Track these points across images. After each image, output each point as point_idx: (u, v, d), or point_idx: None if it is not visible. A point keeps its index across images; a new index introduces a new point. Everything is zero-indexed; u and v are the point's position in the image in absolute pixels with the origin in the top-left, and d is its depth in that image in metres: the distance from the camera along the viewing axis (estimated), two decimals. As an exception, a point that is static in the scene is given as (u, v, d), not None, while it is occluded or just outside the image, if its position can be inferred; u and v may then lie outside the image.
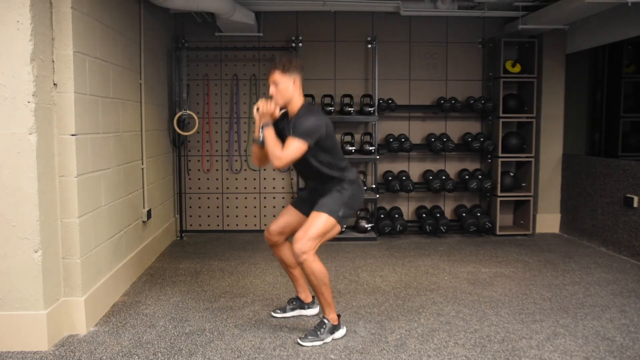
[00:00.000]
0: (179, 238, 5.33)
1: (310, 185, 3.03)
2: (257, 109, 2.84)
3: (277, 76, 2.80)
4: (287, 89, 2.81)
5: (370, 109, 5.30)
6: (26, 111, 2.59)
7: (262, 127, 2.82)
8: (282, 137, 2.83)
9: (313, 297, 3.26)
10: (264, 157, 2.99)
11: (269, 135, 2.78)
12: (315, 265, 2.74)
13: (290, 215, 3.08)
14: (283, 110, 2.96)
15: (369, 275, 4.06)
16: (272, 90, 2.82)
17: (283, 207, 5.60)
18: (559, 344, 2.80)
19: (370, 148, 5.26)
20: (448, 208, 5.74)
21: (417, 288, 3.76)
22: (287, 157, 2.72)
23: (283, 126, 2.91)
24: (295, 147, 2.71)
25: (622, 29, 4.63)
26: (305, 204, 3.02)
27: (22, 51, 2.57)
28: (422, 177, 5.65)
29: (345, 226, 5.24)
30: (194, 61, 5.47)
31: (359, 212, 5.50)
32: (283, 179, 5.61)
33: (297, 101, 2.86)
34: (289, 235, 3.09)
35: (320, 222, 2.78)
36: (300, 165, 2.91)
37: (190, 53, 5.34)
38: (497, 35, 5.52)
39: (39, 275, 2.67)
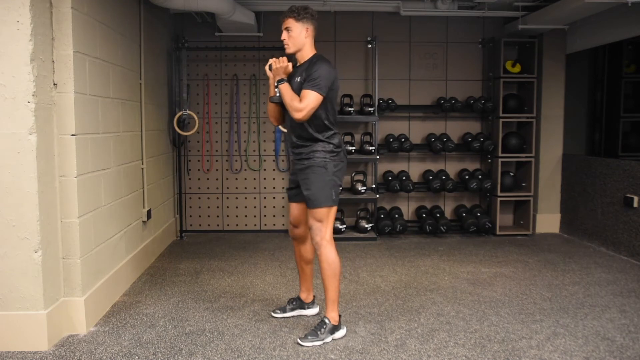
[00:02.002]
0: (179, 238, 5.33)
1: (293, 140, 2.94)
2: (270, 67, 2.85)
3: (290, 22, 2.82)
4: (299, 36, 2.83)
5: (370, 109, 5.30)
6: (26, 111, 2.59)
7: (277, 84, 2.82)
8: (290, 83, 2.85)
9: (314, 297, 3.26)
10: (281, 115, 3.01)
11: (286, 90, 2.79)
12: (332, 255, 2.82)
13: (295, 207, 3.09)
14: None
15: (369, 275, 4.06)
16: (284, 35, 2.84)
17: (283, 207, 5.61)
18: (559, 344, 2.80)
19: (370, 148, 5.26)
20: (448, 208, 5.74)
21: (417, 288, 3.76)
22: (306, 107, 2.72)
23: (293, 74, 2.91)
24: (314, 97, 2.72)
25: (622, 29, 4.64)
26: (296, 193, 3.02)
27: (22, 51, 2.56)
28: (422, 177, 5.65)
29: (345, 226, 5.24)
30: (194, 61, 5.47)
31: (358, 212, 5.50)
32: (283, 179, 5.61)
33: (308, 50, 2.88)
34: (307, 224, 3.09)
35: (321, 215, 2.82)
36: (289, 115, 2.88)
37: (190, 53, 5.34)
38: (497, 35, 5.52)
39: (39, 275, 2.67)
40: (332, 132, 2.88)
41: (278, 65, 2.82)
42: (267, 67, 2.89)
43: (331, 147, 2.86)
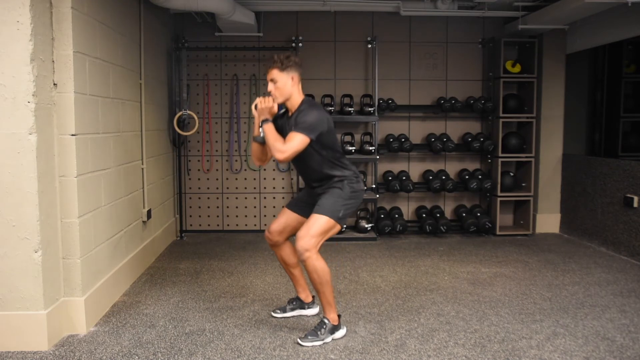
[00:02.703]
0: (179, 238, 5.33)
1: (309, 184, 3.01)
2: (255, 106, 2.84)
3: (275, 73, 2.80)
4: (285, 86, 2.81)
5: (370, 109, 5.30)
6: (26, 111, 2.59)
7: (261, 124, 2.81)
8: (282, 134, 2.83)
9: (313, 297, 3.26)
10: (264, 155, 2.99)
11: (269, 130, 2.77)
12: (318, 263, 2.74)
13: (288, 216, 3.08)
14: (282, 110, 2.96)
15: (369, 275, 4.06)
16: (270, 87, 2.82)
17: (283, 207, 5.59)
18: (559, 344, 2.80)
19: (370, 148, 5.26)
20: (448, 208, 5.74)
21: (417, 288, 3.76)
22: (289, 150, 2.70)
23: (283, 123, 2.91)
24: (298, 140, 2.69)
25: (622, 29, 4.64)
26: (302, 206, 3.02)
27: (22, 51, 2.57)
28: (422, 177, 5.65)
29: (345, 226, 5.25)
30: (194, 61, 5.47)
31: (358, 212, 5.50)
32: (283, 179, 5.61)
33: (296, 98, 2.86)
34: (289, 236, 3.09)
35: (321, 223, 2.78)
36: (301, 162, 2.90)
37: (190, 53, 5.34)
38: (497, 35, 5.52)
39: (39, 275, 2.67)
40: (343, 165, 2.91)
41: (263, 105, 2.80)
42: (253, 107, 2.87)
43: (348, 178, 2.89)
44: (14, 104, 2.58)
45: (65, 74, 2.83)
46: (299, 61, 2.88)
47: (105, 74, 3.36)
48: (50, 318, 2.73)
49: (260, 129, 2.82)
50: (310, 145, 2.74)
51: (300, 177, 3.00)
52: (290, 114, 2.88)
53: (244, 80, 5.52)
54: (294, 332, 2.96)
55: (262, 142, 2.87)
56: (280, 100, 2.84)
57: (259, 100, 2.83)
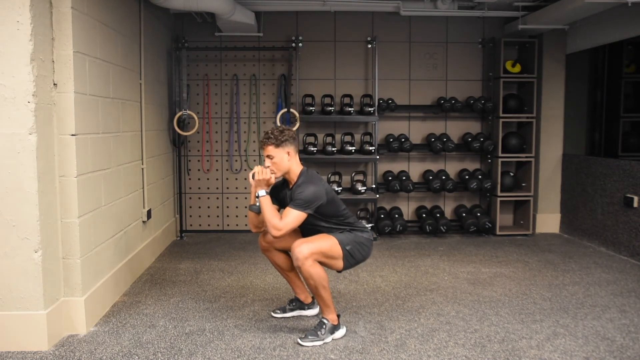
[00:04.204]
0: (179, 238, 5.33)
1: None
2: (253, 176, 2.84)
3: (271, 150, 2.81)
4: (282, 161, 2.83)
5: (370, 109, 5.30)
6: (26, 111, 2.59)
7: (257, 195, 2.81)
8: (284, 204, 2.87)
9: (313, 297, 3.26)
10: (260, 223, 3.00)
11: (266, 204, 2.79)
12: (314, 269, 2.73)
13: None
14: (282, 180, 2.98)
15: (369, 275, 4.06)
16: (267, 163, 2.84)
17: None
18: (559, 344, 2.80)
19: (370, 148, 5.26)
20: (448, 208, 5.74)
21: (417, 288, 3.76)
22: (285, 226, 2.72)
23: (284, 194, 2.93)
24: (294, 216, 2.72)
25: (622, 29, 4.63)
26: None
27: (22, 51, 2.56)
28: (422, 177, 5.65)
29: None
30: (194, 61, 5.47)
31: (358, 212, 5.50)
32: (283, 179, 5.61)
33: (295, 170, 2.87)
34: (283, 250, 3.09)
35: (328, 243, 2.79)
36: (306, 228, 2.90)
37: (190, 53, 5.34)
38: (497, 35, 5.52)
39: (39, 275, 2.67)
40: (353, 222, 2.93)
41: (260, 177, 2.81)
42: (250, 175, 2.87)
43: (359, 228, 2.92)
44: (14, 104, 2.58)
45: (65, 74, 2.83)
46: (294, 134, 2.89)
47: (105, 74, 3.36)
48: (50, 318, 2.73)
49: (257, 200, 2.83)
50: (311, 216, 2.77)
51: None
52: (290, 186, 2.90)
53: (244, 80, 5.52)
54: (294, 332, 2.96)
55: (258, 212, 2.87)
56: (278, 174, 2.87)
57: (257, 170, 2.82)
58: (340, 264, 2.85)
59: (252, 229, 3.07)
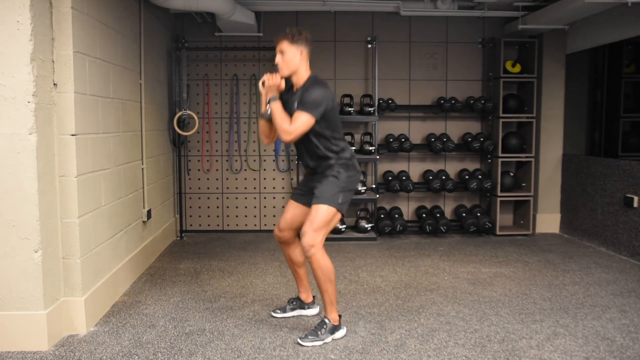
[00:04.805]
0: (179, 238, 5.33)
1: (306, 163, 2.98)
2: (263, 83, 2.84)
3: (285, 45, 2.80)
4: (293, 59, 2.81)
5: (370, 109, 5.30)
6: (26, 111, 2.59)
7: (268, 101, 2.81)
8: (286, 109, 2.84)
9: (314, 297, 3.26)
10: (272, 132, 2.99)
11: (277, 109, 2.78)
12: (323, 261, 2.76)
13: (293, 209, 3.06)
14: (289, 86, 2.95)
15: (369, 275, 4.06)
16: (278, 59, 2.82)
17: (283, 207, 5.60)
18: (559, 344, 2.80)
19: (370, 148, 5.26)
20: (448, 208, 5.74)
21: (417, 288, 3.76)
22: (295, 130, 2.72)
23: (288, 98, 2.91)
24: (304, 120, 2.71)
25: (622, 29, 4.63)
26: (304, 194, 3.01)
27: (22, 51, 2.56)
28: (422, 177, 5.65)
29: (345, 225, 5.25)
30: (194, 61, 5.47)
31: (358, 212, 5.50)
32: (283, 179, 5.61)
33: (303, 73, 2.86)
34: (299, 229, 3.06)
35: (322, 214, 2.78)
36: (301, 141, 2.88)
37: (190, 53, 5.34)
38: (497, 35, 5.52)
39: (39, 275, 2.67)
40: (341, 147, 2.89)
41: (271, 82, 2.81)
42: (260, 83, 2.88)
43: (344, 161, 2.88)
44: (14, 104, 2.58)
45: (65, 74, 2.83)
46: (310, 38, 2.87)
47: (105, 74, 3.36)
48: (50, 318, 2.73)
49: (268, 106, 2.83)
50: (312, 130, 2.76)
51: (299, 161, 3.00)
52: (295, 89, 2.89)
53: (244, 80, 5.52)
54: (294, 332, 2.96)
55: (269, 119, 2.87)
56: (285, 72, 2.83)
57: (266, 77, 2.83)
58: (339, 215, 2.87)
59: (263, 140, 3.06)
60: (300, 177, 5.37)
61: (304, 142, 2.88)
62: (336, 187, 2.82)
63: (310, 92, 2.74)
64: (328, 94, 2.79)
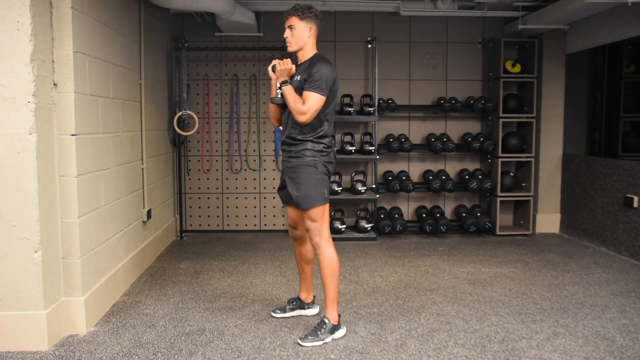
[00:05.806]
0: (179, 238, 5.33)
1: (284, 142, 2.95)
2: (273, 68, 2.85)
3: (294, 20, 2.82)
4: (302, 35, 2.84)
5: (370, 109, 5.30)
6: (26, 111, 2.59)
7: (280, 86, 2.83)
8: (291, 83, 2.86)
9: (314, 297, 3.26)
10: (282, 116, 3.01)
11: (289, 92, 2.80)
12: (331, 254, 2.83)
13: (288, 209, 3.11)
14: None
15: (369, 275, 4.06)
16: (287, 33, 2.84)
17: (283, 207, 5.60)
18: (559, 344, 2.80)
19: (370, 148, 5.26)
20: (448, 208, 5.74)
21: (417, 288, 3.76)
22: (310, 110, 2.74)
23: (292, 75, 2.92)
24: (316, 99, 2.74)
25: (622, 29, 4.63)
26: (283, 187, 3.00)
27: (22, 51, 2.56)
28: (422, 177, 5.65)
29: (345, 226, 5.23)
30: (194, 61, 5.47)
31: (358, 212, 5.50)
32: (283, 179, 5.61)
33: (309, 49, 2.89)
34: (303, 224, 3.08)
35: (315, 216, 2.83)
36: (288, 111, 2.87)
37: (190, 53, 5.34)
38: (497, 35, 5.52)
39: (39, 275, 2.67)
40: (323, 131, 2.88)
41: (282, 67, 2.82)
42: (269, 68, 2.90)
43: (321, 147, 2.87)
44: (14, 104, 2.58)
45: (65, 74, 2.83)
46: (319, 14, 2.89)
47: (105, 74, 3.36)
48: (50, 318, 2.73)
49: (279, 91, 2.85)
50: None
51: (281, 126, 3.02)
52: (299, 62, 2.90)
53: (244, 80, 5.52)
54: (294, 332, 2.96)
55: (281, 103, 2.89)
56: (294, 48, 2.86)
57: (276, 62, 2.84)
58: (327, 204, 2.88)
59: (273, 124, 3.10)
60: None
61: (291, 115, 2.86)
62: (318, 184, 2.83)
63: (319, 69, 2.76)
64: (334, 73, 2.82)
